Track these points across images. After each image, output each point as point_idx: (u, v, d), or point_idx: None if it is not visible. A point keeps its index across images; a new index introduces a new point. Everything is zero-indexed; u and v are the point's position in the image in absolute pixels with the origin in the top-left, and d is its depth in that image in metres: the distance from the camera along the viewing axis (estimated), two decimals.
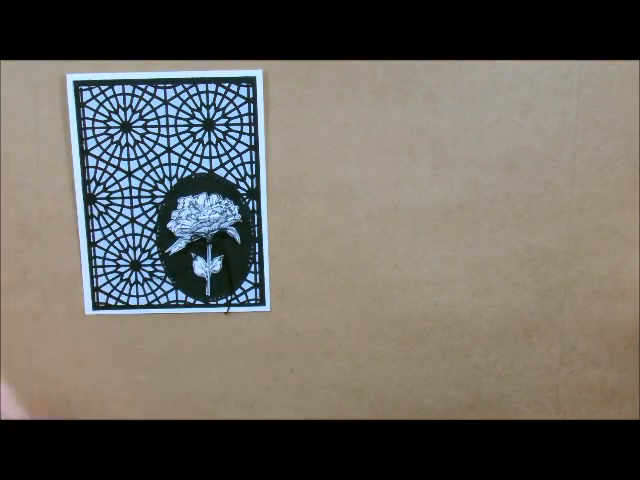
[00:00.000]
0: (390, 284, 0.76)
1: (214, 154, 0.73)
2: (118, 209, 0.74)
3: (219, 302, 0.76)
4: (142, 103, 0.72)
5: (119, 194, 0.74)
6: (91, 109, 0.72)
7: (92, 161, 0.73)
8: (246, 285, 0.76)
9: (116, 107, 0.72)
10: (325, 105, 0.72)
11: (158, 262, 0.75)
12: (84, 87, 0.71)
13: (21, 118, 0.72)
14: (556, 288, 0.77)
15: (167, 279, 0.76)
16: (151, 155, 0.73)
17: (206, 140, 0.73)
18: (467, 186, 0.74)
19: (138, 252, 0.75)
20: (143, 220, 0.74)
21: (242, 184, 0.74)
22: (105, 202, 0.74)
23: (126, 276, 0.75)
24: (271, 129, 0.73)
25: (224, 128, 0.73)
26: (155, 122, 0.72)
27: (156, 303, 0.76)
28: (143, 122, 0.72)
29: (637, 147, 0.73)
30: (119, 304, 0.76)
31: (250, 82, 0.71)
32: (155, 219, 0.74)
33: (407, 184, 0.74)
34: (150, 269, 0.75)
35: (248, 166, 0.74)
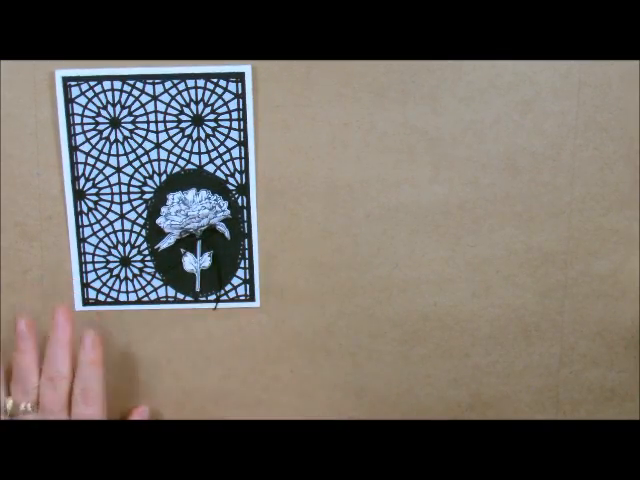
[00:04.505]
0: (390, 284, 0.76)
1: (203, 150, 0.73)
2: (107, 205, 0.74)
3: (209, 298, 0.76)
4: (131, 99, 0.72)
5: (108, 190, 0.74)
6: (80, 105, 0.71)
7: (81, 157, 0.73)
8: (236, 281, 0.76)
9: (105, 103, 0.72)
10: (325, 105, 0.72)
11: (148, 258, 0.75)
12: (73, 83, 0.71)
13: (21, 118, 0.72)
14: (556, 288, 0.77)
15: (157, 275, 0.76)
16: (140, 151, 0.73)
17: (195, 136, 0.73)
18: (467, 186, 0.74)
19: (128, 248, 0.75)
20: (132, 216, 0.75)
21: (231, 180, 0.74)
22: (94, 198, 0.74)
23: (116, 272, 0.76)
24: (271, 129, 0.73)
25: (213, 124, 0.73)
26: (144, 118, 0.72)
27: (146, 299, 0.76)
28: (132, 118, 0.72)
29: (637, 147, 0.73)
30: (109, 300, 0.76)
31: (239, 77, 0.71)
32: (144, 215, 0.75)
33: (407, 184, 0.74)
34: (140, 265, 0.75)
35: (237, 162, 0.74)
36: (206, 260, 0.75)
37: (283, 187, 0.74)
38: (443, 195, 0.74)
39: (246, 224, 0.75)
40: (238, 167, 0.74)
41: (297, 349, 0.78)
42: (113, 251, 0.75)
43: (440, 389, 0.79)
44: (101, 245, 0.75)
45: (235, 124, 0.73)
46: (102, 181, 0.74)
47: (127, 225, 0.75)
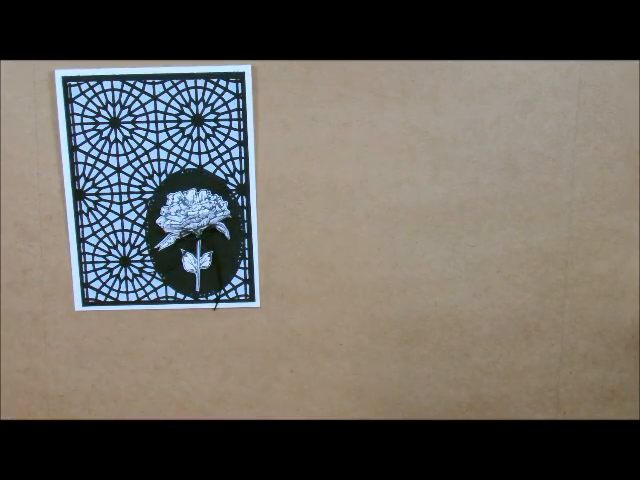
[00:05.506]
0: (390, 284, 0.76)
1: (203, 150, 0.73)
2: (107, 205, 0.74)
3: (209, 298, 0.76)
4: (131, 99, 0.72)
5: (108, 190, 0.74)
6: (80, 105, 0.72)
7: (81, 157, 0.73)
8: (236, 281, 0.76)
9: (105, 103, 0.72)
10: (325, 105, 0.72)
11: (147, 258, 0.75)
12: (73, 83, 0.71)
13: (21, 118, 0.72)
14: (556, 288, 0.77)
15: (157, 275, 0.76)
16: (140, 151, 0.73)
17: (195, 136, 0.73)
18: (467, 186, 0.74)
19: (127, 248, 0.75)
20: (132, 216, 0.75)
21: (231, 180, 0.74)
22: (94, 198, 0.74)
23: (115, 272, 0.76)
24: (271, 129, 0.73)
25: (213, 124, 0.73)
26: (144, 118, 0.73)
27: (146, 299, 0.76)
28: (132, 118, 0.72)
29: (637, 147, 0.73)
30: (109, 300, 0.76)
31: (239, 77, 0.71)
32: (144, 215, 0.75)
33: (407, 184, 0.74)
34: (139, 265, 0.76)
35: (237, 162, 0.74)
36: (206, 260, 0.75)
37: (283, 187, 0.74)
38: (443, 195, 0.74)
39: (246, 224, 0.75)
40: (238, 167, 0.74)
41: (297, 349, 0.78)
42: (113, 251, 0.75)
43: (440, 389, 0.79)
44: (101, 245, 0.75)
45: (235, 124, 0.73)
46: (102, 181, 0.74)
47: (127, 225, 0.75)
